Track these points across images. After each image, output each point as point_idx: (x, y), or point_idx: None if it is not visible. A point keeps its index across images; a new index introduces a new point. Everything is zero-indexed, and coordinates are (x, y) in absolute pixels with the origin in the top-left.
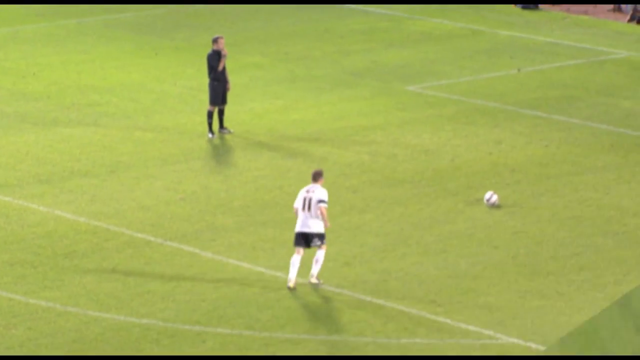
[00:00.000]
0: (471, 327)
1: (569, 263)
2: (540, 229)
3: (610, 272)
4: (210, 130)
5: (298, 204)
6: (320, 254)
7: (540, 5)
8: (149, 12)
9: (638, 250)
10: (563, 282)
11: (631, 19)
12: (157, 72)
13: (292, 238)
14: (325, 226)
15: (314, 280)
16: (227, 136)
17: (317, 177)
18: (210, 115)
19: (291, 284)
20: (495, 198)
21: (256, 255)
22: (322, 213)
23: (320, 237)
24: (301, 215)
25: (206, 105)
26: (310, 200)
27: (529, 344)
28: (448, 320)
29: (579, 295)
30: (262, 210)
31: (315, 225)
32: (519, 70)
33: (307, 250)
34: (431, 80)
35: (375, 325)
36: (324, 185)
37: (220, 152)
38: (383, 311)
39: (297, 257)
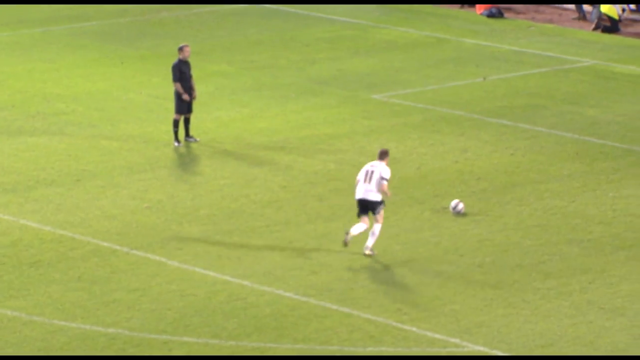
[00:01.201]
0: (437, 336)
1: (535, 271)
2: (506, 237)
3: (575, 280)
4: (176, 138)
5: (360, 176)
6: (376, 227)
7: (506, 14)
8: (114, 20)
9: (603, 258)
10: (529, 290)
11: (596, 28)
12: (123, 80)
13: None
14: (384, 190)
15: (368, 251)
16: (193, 145)
17: (383, 155)
18: (176, 123)
19: (345, 242)
20: (461, 206)
21: (222, 264)
22: (383, 189)
23: (379, 204)
24: (361, 185)
25: (172, 114)
26: (372, 173)
27: (494, 351)
28: (414, 329)
29: (544, 304)
30: (228, 219)
31: (373, 196)
32: (484, 78)
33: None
34: (397, 89)
35: (342, 334)
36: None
37: (186, 161)
38: (349, 319)
39: (360, 225)
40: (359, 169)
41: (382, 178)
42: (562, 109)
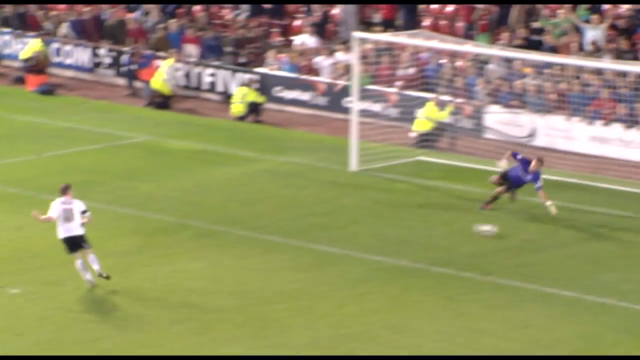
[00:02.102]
0: None
1: (90, 348)
2: (66, 313)
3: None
4: None
5: (56, 214)
6: (92, 256)
7: (58, 90)
8: None
9: (159, 332)
10: None
11: (148, 104)
12: None
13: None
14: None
15: (105, 274)
16: None
17: (67, 190)
18: None
19: (90, 284)
20: (491, 229)
21: None
22: (89, 220)
23: (85, 238)
24: (64, 224)
25: None
26: (72, 210)
27: None
28: None
29: None
30: None
31: (78, 230)
32: (39, 155)
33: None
34: None
35: None
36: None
37: None
38: None
39: (79, 262)
40: None
41: (85, 211)
42: (117, 185)
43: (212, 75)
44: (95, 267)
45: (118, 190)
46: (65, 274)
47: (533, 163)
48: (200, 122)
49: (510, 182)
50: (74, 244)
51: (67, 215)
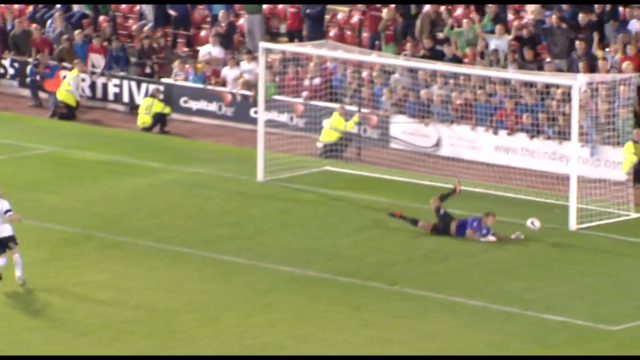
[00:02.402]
0: None
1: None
2: None
3: None
4: None
5: None
6: (18, 257)
7: None
8: None
9: (66, 344)
10: None
11: (53, 115)
12: None
13: None
14: (19, 220)
15: (20, 281)
16: None
17: None
18: None
19: None
20: (537, 224)
21: None
22: (15, 219)
23: (13, 239)
24: None
25: None
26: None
27: None
28: None
29: None
30: None
31: (6, 231)
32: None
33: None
34: None
35: None
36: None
37: None
38: None
39: (2, 259)
40: None
41: (8, 211)
42: (22, 196)
43: (118, 85)
44: (18, 274)
45: (23, 201)
46: None
47: (488, 218)
48: (105, 133)
49: (452, 225)
50: (2, 245)
51: None
